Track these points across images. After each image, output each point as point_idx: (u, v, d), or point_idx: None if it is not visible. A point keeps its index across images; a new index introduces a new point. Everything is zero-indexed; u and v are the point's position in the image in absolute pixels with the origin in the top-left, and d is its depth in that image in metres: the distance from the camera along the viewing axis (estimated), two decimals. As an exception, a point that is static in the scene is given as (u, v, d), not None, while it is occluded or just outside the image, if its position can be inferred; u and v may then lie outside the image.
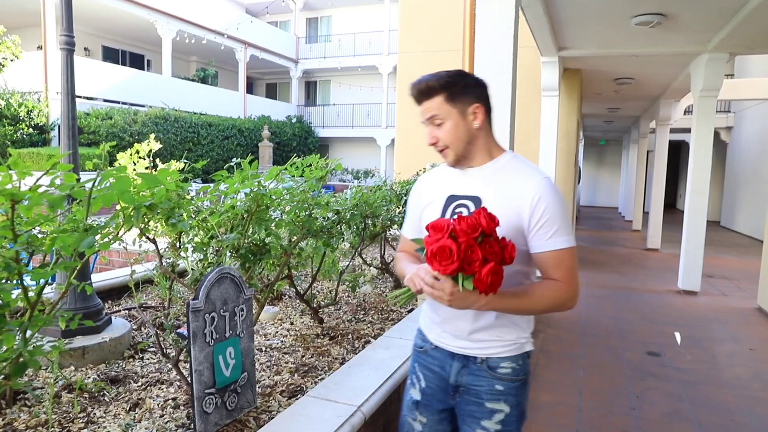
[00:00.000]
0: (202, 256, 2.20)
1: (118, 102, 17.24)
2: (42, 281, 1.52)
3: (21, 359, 1.45)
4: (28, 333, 1.48)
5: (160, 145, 3.99)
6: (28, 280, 1.49)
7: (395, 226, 4.04)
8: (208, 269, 2.08)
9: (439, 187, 1.59)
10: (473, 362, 1.52)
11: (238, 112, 22.06)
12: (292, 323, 3.12)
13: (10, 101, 14.10)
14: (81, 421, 1.98)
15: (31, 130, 14.47)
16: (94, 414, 2.04)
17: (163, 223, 1.93)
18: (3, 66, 12.16)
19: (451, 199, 1.53)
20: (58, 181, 1.46)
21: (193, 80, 21.38)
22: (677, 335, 5.00)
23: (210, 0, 20.53)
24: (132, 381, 2.36)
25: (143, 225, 1.60)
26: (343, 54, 24.89)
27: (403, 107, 8.77)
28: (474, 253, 1.18)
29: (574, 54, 6.50)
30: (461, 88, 1.46)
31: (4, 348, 1.39)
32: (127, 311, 3.33)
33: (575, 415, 3.31)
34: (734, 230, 14.41)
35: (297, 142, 22.99)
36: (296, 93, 26.25)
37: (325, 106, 25.99)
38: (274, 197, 1.98)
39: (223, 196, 2.09)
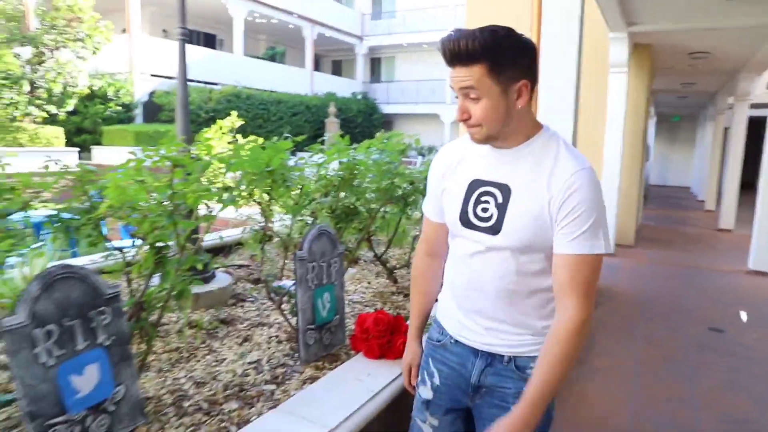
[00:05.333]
0: (294, 220, 2.57)
1: (194, 80, 18.18)
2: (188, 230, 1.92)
3: (173, 291, 1.86)
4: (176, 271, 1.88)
5: (242, 122, 4.39)
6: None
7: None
8: (305, 229, 2.45)
9: (461, 169, 1.35)
10: (499, 361, 1.34)
11: (305, 89, 22.68)
12: (369, 283, 3.49)
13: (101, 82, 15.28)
14: (204, 349, 2.43)
15: (119, 108, 15.64)
16: (213, 345, 2.48)
17: (262, 190, 2.31)
18: (98, 50, 13.17)
19: (475, 184, 1.30)
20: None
21: (262, 59, 22.12)
22: (743, 314, 4.98)
23: (279, -20, 21.08)
24: (238, 323, 2.80)
25: (262, 189, 1.97)
26: (407, 30, 24.93)
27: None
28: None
29: (644, 29, 6.39)
30: (510, 58, 1.16)
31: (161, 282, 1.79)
32: (224, 268, 3.80)
33: (630, 380, 3.48)
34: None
35: (362, 119, 23.43)
36: (361, 70, 26.58)
37: (389, 82, 26.20)
38: (362, 168, 2.32)
39: (316, 167, 2.44)
